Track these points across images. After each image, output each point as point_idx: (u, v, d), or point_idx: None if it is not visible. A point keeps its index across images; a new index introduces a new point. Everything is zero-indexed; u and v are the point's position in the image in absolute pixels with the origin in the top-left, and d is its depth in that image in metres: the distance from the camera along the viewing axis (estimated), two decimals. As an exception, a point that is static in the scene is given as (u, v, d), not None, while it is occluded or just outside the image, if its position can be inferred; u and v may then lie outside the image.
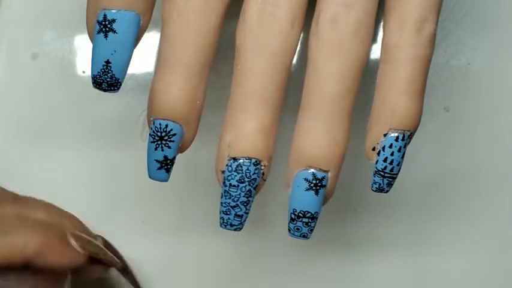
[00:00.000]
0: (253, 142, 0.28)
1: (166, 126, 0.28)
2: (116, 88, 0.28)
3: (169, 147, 0.29)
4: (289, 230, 0.30)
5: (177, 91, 0.28)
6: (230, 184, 0.29)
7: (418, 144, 0.31)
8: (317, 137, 0.29)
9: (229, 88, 0.29)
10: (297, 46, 0.29)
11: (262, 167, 0.29)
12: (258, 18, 0.28)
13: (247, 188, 0.29)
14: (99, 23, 0.28)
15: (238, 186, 0.29)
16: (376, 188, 0.30)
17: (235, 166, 0.29)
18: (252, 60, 0.28)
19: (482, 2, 0.40)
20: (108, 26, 0.28)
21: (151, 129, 0.29)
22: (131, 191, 0.40)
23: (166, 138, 0.29)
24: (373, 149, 0.30)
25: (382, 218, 0.40)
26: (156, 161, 0.29)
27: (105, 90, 0.28)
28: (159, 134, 0.29)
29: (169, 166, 0.29)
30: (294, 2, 0.28)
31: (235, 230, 0.30)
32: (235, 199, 0.29)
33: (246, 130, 0.28)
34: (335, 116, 0.28)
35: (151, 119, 0.29)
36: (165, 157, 0.29)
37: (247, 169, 0.29)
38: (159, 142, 0.29)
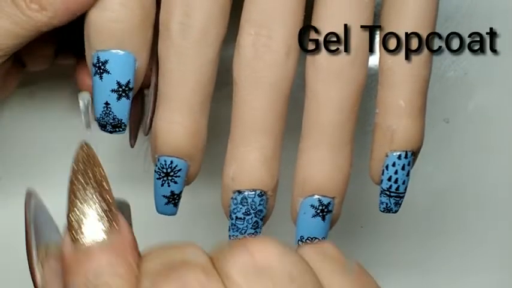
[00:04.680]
0: (257, 174, 0.29)
1: (171, 162, 0.29)
2: (121, 129, 0.29)
3: (175, 182, 0.29)
4: None
5: (179, 128, 0.28)
6: (236, 217, 0.29)
7: (420, 157, 0.31)
8: (321, 165, 0.29)
9: (226, 113, 0.29)
10: (294, 75, 0.29)
11: (268, 197, 0.29)
12: (252, 50, 0.28)
13: (254, 219, 0.29)
14: (94, 65, 0.28)
15: (244, 218, 0.29)
16: (383, 208, 0.30)
17: (240, 199, 0.29)
18: (249, 93, 0.28)
19: (473, 12, 0.40)
20: (102, 67, 0.28)
21: (156, 166, 0.29)
22: (135, 223, 0.40)
23: (172, 174, 0.29)
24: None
25: (388, 234, 0.40)
26: (164, 196, 0.29)
27: (111, 132, 0.29)
28: (164, 170, 0.29)
29: (176, 200, 0.30)
30: (287, 32, 0.28)
31: None
32: (243, 231, 0.29)
33: (248, 162, 0.29)
34: (337, 143, 0.29)
35: (156, 156, 0.29)
36: (172, 192, 0.29)
37: (253, 201, 0.29)
38: (165, 178, 0.29)
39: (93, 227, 0.23)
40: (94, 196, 0.23)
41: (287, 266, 0.21)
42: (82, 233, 0.22)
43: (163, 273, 0.21)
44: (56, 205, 0.39)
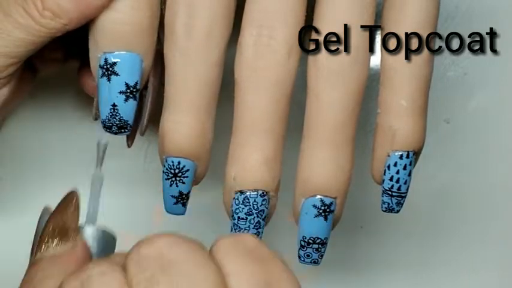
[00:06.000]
0: (258, 175, 0.29)
1: (179, 163, 0.29)
2: (126, 130, 0.29)
3: (183, 182, 0.29)
4: (299, 257, 0.30)
5: (186, 129, 0.28)
6: (238, 217, 0.29)
7: (420, 157, 0.31)
8: (322, 165, 0.29)
9: (227, 113, 0.30)
10: (295, 75, 0.29)
11: (270, 197, 0.29)
12: (254, 50, 0.28)
13: (256, 219, 0.29)
14: (101, 67, 0.28)
15: (246, 218, 0.29)
16: (385, 208, 0.30)
17: (242, 199, 0.29)
18: (250, 93, 0.28)
19: (473, 11, 0.40)
20: (110, 69, 0.28)
21: (164, 166, 0.29)
22: (135, 223, 0.40)
23: (180, 174, 0.29)
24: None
25: (387, 234, 0.40)
26: (172, 196, 0.30)
27: (116, 133, 0.29)
28: (172, 171, 0.29)
29: (185, 200, 0.30)
30: (288, 32, 0.28)
31: None
32: (245, 232, 0.29)
33: (250, 163, 0.29)
34: (339, 143, 0.29)
35: (164, 157, 0.29)
36: (180, 192, 0.29)
37: (255, 201, 0.29)
38: (173, 179, 0.29)
39: (48, 244, 0.27)
40: (56, 221, 0.27)
41: (172, 254, 0.23)
42: (39, 249, 0.27)
43: (76, 272, 0.24)
44: (55, 204, 0.39)
